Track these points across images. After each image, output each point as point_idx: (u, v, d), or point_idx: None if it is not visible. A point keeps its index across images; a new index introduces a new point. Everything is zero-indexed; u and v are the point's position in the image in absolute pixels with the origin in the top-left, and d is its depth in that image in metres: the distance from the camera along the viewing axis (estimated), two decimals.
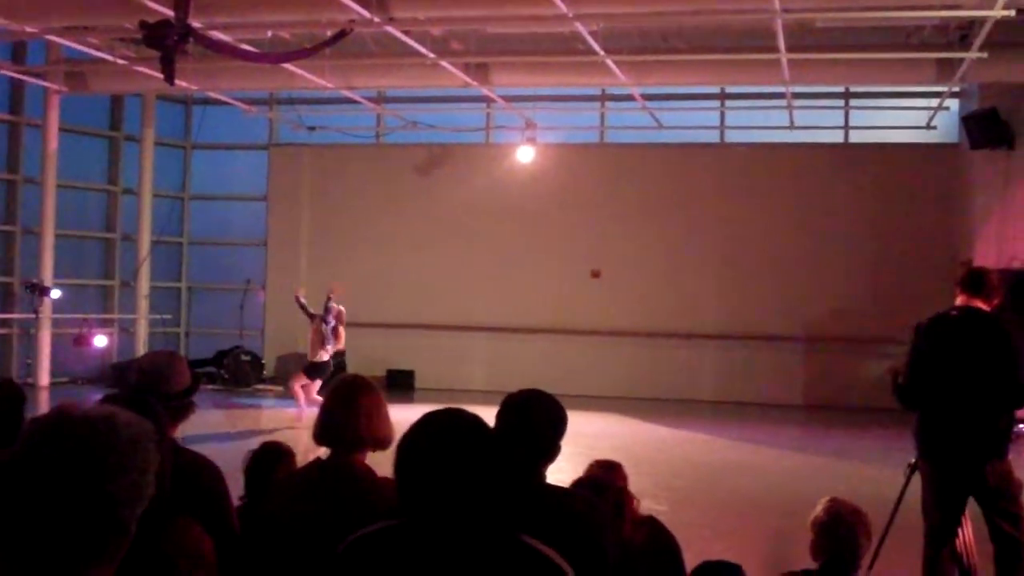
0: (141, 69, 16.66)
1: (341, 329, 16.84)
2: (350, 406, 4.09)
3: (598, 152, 21.67)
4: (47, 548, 1.84)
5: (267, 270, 22.36)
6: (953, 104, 19.26)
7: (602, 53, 15.01)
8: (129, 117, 22.23)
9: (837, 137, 20.74)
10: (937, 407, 6.70)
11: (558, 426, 3.89)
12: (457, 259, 21.48)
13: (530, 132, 20.47)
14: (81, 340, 19.50)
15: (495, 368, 20.22)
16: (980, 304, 6.77)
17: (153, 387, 4.32)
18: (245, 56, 14.84)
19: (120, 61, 16.87)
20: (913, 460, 6.97)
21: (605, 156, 21.50)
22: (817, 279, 19.99)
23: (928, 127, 19.64)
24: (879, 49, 15.49)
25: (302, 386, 16.45)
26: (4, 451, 1.92)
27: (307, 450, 4.97)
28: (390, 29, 14.24)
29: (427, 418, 2.69)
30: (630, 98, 18.65)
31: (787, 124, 19.90)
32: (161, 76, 12.20)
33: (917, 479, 6.92)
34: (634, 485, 5.06)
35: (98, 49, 16.58)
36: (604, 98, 21.12)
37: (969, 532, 6.80)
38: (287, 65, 15.83)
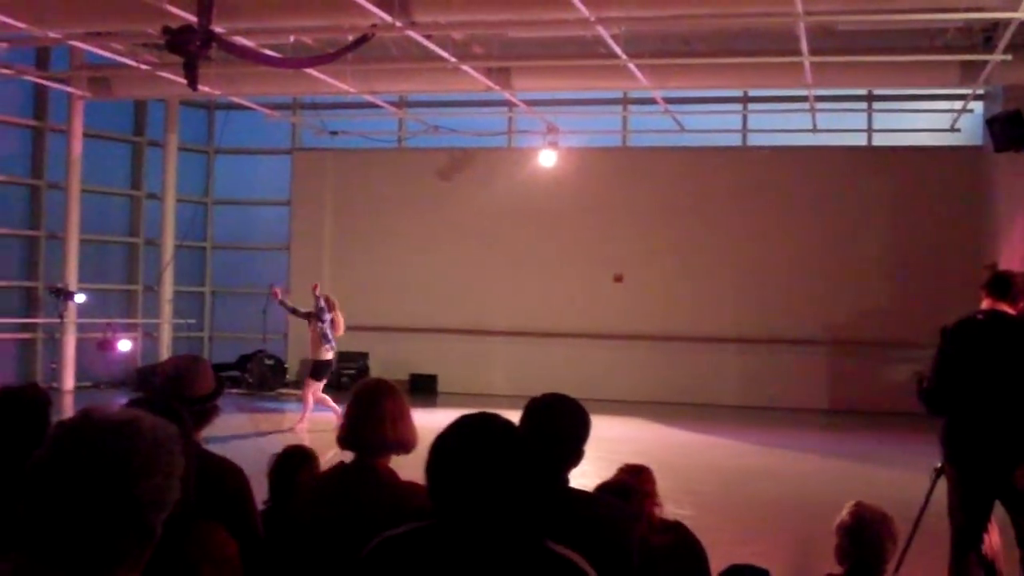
0: (164, 74, 16.72)
1: (339, 316, 16.40)
2: (374, 410, 4.09)
3: (620, 156, 21.63)
4: (73, 552, 1.85)
5: (290, 274, 22.40)
6: (977, 106, 19.17)
7: (624, 57, 14.96)
8: (152, 122, 22.32)
9: (860, 140, 20.67)
10: (964, 411, 6.66)
11: (582, 430, 3.88)
12: (479, 263, 21.49)
13: (552, 136, 20.47)
14: (105, 344, 19.57)
15: (517, 372, 20.20)
16: (1006, 308, 6.74)
17: (177, 391, 4.33)
18: (268, 61, 14.87)
19: (143, 66, 16.93)
20: (939, 464, 6.93)
21: (627, 160, 21.46)
22: (840, 283, 19.91)
23: (952, 129, 19.56)
24: (902, 52, 15.39)
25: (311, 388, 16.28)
26: (30, 455, 1.92)
27: (323, 452, 5.00)
28: (412, 33, 14.24)
29: (460, 421, 2.72)
30: (652, 101, 18.60)
31: (810, 127, 19.82)
32: (184, 81, 12.23)
33: (943, 483, 6.88)
34: (658, 489, 5.05)
35: (121, 55, 16.64)
36: (626, 101, 21.07)
37: (996, 537, 6.76)
38: (310, 70, 15.88)
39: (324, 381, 16.23)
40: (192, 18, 11.87)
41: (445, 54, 15.39)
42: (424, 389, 20.67)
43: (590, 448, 3.89)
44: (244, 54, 14.24)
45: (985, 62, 14.89)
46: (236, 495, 4.16)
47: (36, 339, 20.33)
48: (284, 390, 20.84)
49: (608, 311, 20.87)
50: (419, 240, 21.75)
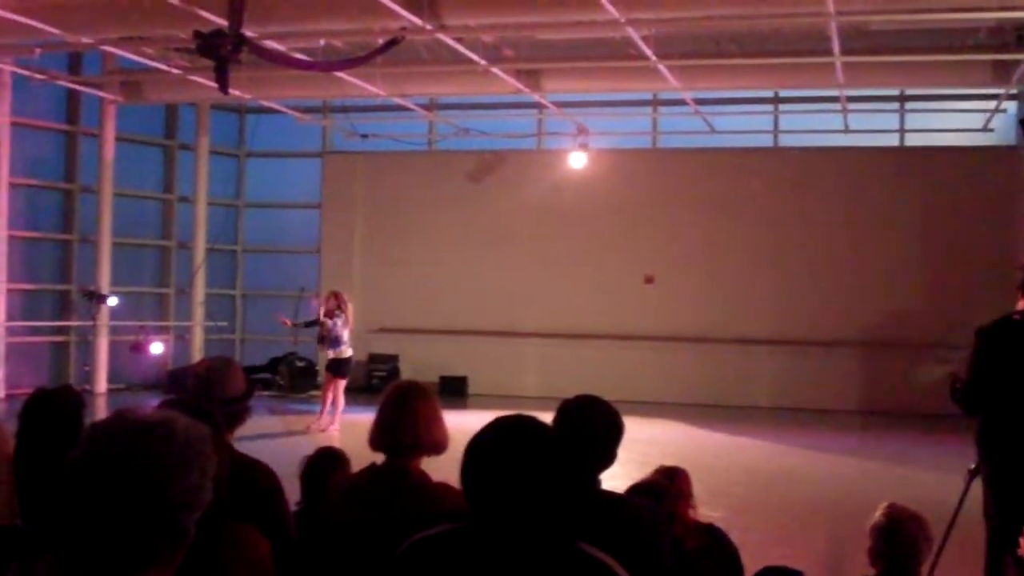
0: (195, 79, 16.82)
1: (347, 311, 16.31)
2: (406, 411, 4.09)
3: (650, 157, 21.57)
4: (106, 552, 1.85)
5: (321, 277, 22.45)
6: (1010, 106, 19.04)
7: (654, 58, 14.93)
8: (184, 126, 22.45)
9: (892, 140, 20.54)
10: (1000, 412, 6.62)
11: (615, 432, 3.87)
12: (510, 265, 21.48)
13: (582, 137, 20.43)
14: (138, 347, 19.70)
15: (548, 374, 20.18)
16: None
17: (209, 393, 4.35)
18: (298, 65, 14.93)
19: (175, 71, 17.04)
20: (973, 465, 6.88)
21: (657, 161, 21.40)
22: (873, 283, 19.79)
23: (985, 129, 19.43)
24: (934, 51, 15.28)
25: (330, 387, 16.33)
26: (64, 456, 1.93)
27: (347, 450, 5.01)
28: (442, 36, 14.27)
29: (496, 422, 2.72)
30: (682, 103, 18.55)
31: (842, 128, 19.72)
32: (215, 85, 12.31)
33: (978, 484, 6.83)
34: (693, 491, 5.05)
35: (153, 59, 16.75)
36: (656, 103, 21.03)
37: None
38: (340, 73, 15.92)
39: (345, 379, 16.32)
40: (223, 22, 11.94)
41: (475, 56, 15.42)
42: (454, 391, 20.65)
43: (621, 450, 3.88)
44: (274, 58, 14.30)
45: (1018, 61, 14.80)
46: (269, 496, 4.18)
47: (69, 342, 20.48)
48: (315, 392, 20.87)
49: (639, 312, 20.81)
50: (449, 242, 21.75)
